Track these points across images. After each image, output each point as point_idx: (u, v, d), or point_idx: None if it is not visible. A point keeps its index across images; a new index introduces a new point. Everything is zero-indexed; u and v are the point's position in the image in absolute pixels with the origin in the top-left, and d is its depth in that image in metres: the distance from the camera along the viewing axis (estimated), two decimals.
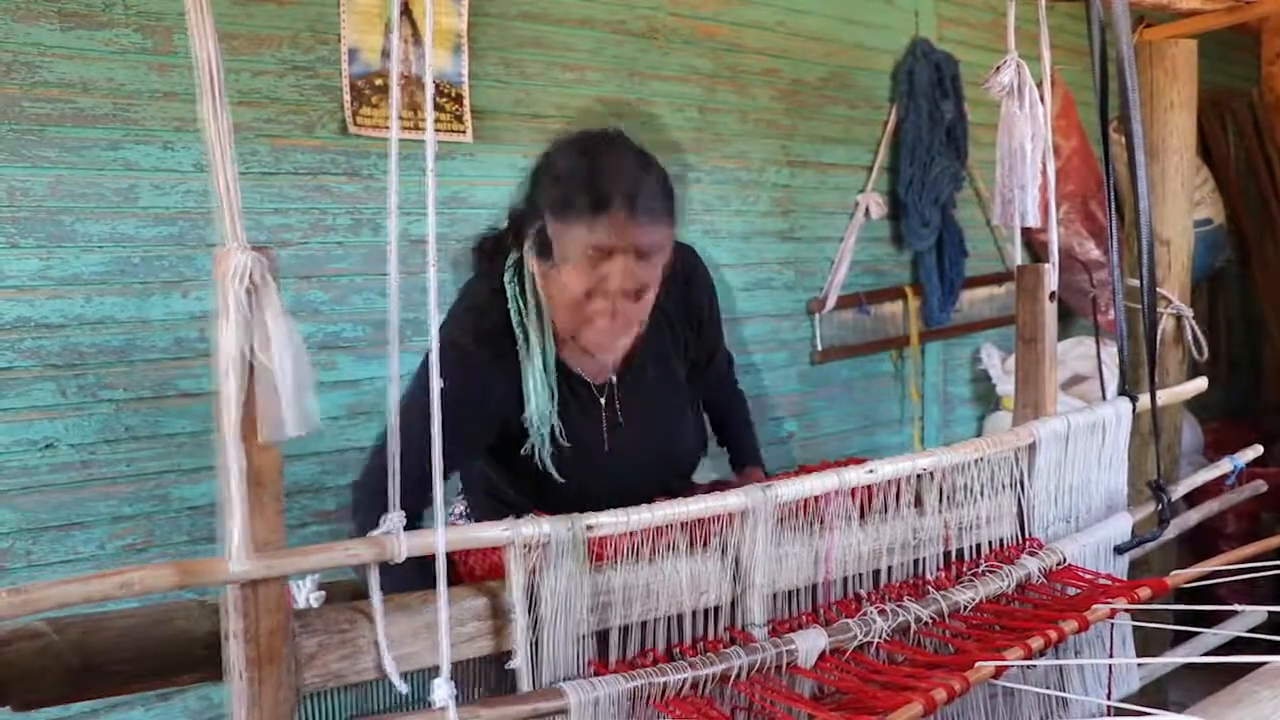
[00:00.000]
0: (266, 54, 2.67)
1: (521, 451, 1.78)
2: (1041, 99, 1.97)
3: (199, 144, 2.54)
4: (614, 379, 1.88)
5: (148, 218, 2.51)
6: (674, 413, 1.97)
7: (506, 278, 1.77)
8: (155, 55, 2.49)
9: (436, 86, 2.91)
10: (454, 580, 1.53)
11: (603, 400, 1.86)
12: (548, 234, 1.67)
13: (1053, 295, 2.03)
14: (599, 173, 1.64)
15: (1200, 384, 2.35)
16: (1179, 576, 1.70)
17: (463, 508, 2.06)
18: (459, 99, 2.96)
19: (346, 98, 2.77)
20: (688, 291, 1.94)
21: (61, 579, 1.01)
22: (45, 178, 2.38)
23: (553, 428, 1.78)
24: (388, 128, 2.83)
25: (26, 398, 2.38)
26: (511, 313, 1.76)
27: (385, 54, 2.81)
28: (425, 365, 1.61)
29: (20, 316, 2.36)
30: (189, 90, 2.51)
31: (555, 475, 1.79)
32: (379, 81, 2.81)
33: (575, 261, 1.64)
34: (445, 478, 1.27)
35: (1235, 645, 1.96)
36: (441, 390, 1.18)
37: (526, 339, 1.75)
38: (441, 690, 1.16)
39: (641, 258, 1.65)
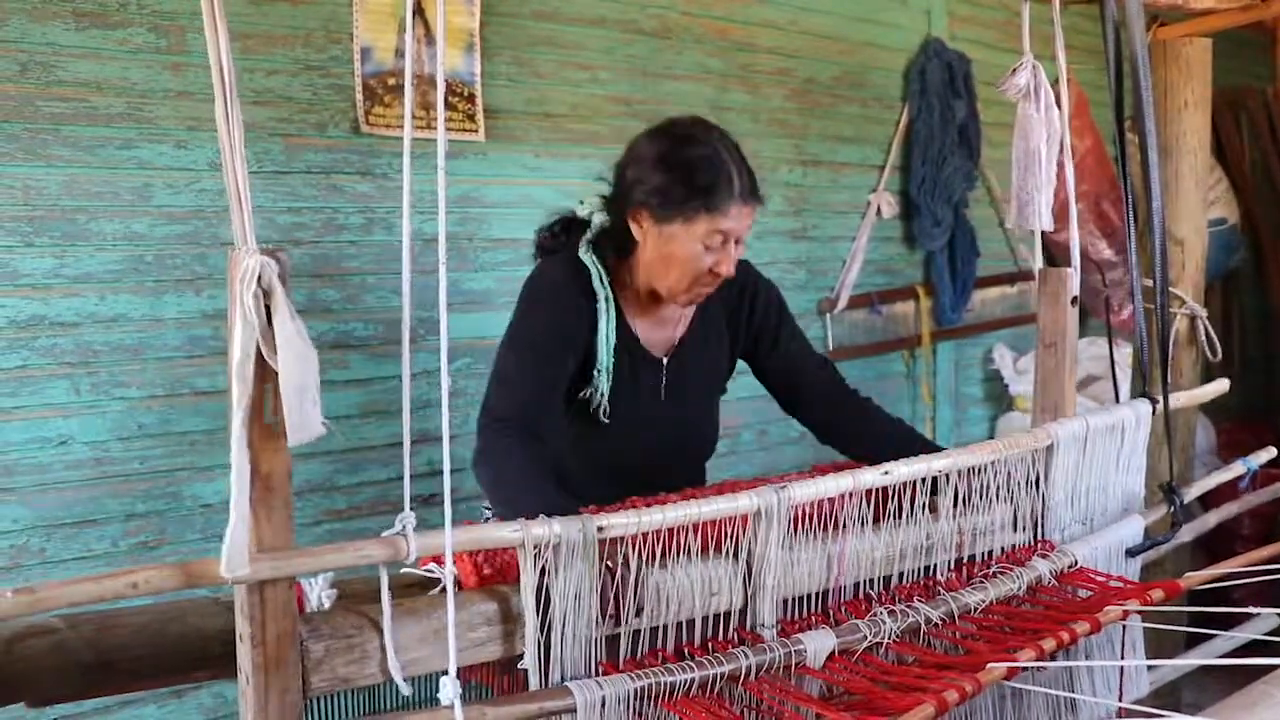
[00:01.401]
0: (280, 53, 2.67)
1: (580, 395, 1.96)
2: (1058, 101, 1.96)
3: (212, 143, 2.55)
4: (669, 355, 2.06)
5: (161, 216, 2.52)
6: (709, 401, 2.16)
7: (582, 250, 1.98)
8: (169, 55, 2.50)
9: (449, 86, 2.91)
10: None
11: (660, 372, 2.05)
12: (666, 214, 1.89)
13: (1074, 300, 2.02)
14: (726, 166, 1.91)
15: (1222, 385, 2.34)
16: (1192, 579, 1.70)
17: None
18: (471, 98, 2.96)
19: (359, 97, 2.78)
20: (751, 303, 2.15)
21: (70, 579, 1.02)
22: (60, 176, 2.39)
23: (612, 375, 1.97)
24: (400, 127, 2.84)
25: (41, 395, 2.39)
26: (592, 271, 1.96)
27: (398, 53, 2.82)
28: (527, 304, 1.96)
29: (35, 314, 2.37)
30: (203, 89, 2.52)
31: (603, 417, 1.97)
32: (391, 81, 2.81)
33: (694, 243, 1.89)
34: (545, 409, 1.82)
35: (1251, 648, 1.95)
36: (544, 318, 1.78)
37: (605, 300, 1.96)
38: (448, 689, 1.16)
39: (740, 241, 1.95)
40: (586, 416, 1.98)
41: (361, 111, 2.78)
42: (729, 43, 3.60)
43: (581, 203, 2.07)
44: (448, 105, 2.91)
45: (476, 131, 2.97)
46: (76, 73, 2.39)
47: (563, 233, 2.07)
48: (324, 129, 2.75)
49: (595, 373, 1.95)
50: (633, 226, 1.95)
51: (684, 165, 1.89)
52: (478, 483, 1.86)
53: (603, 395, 1.96)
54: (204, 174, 2.55)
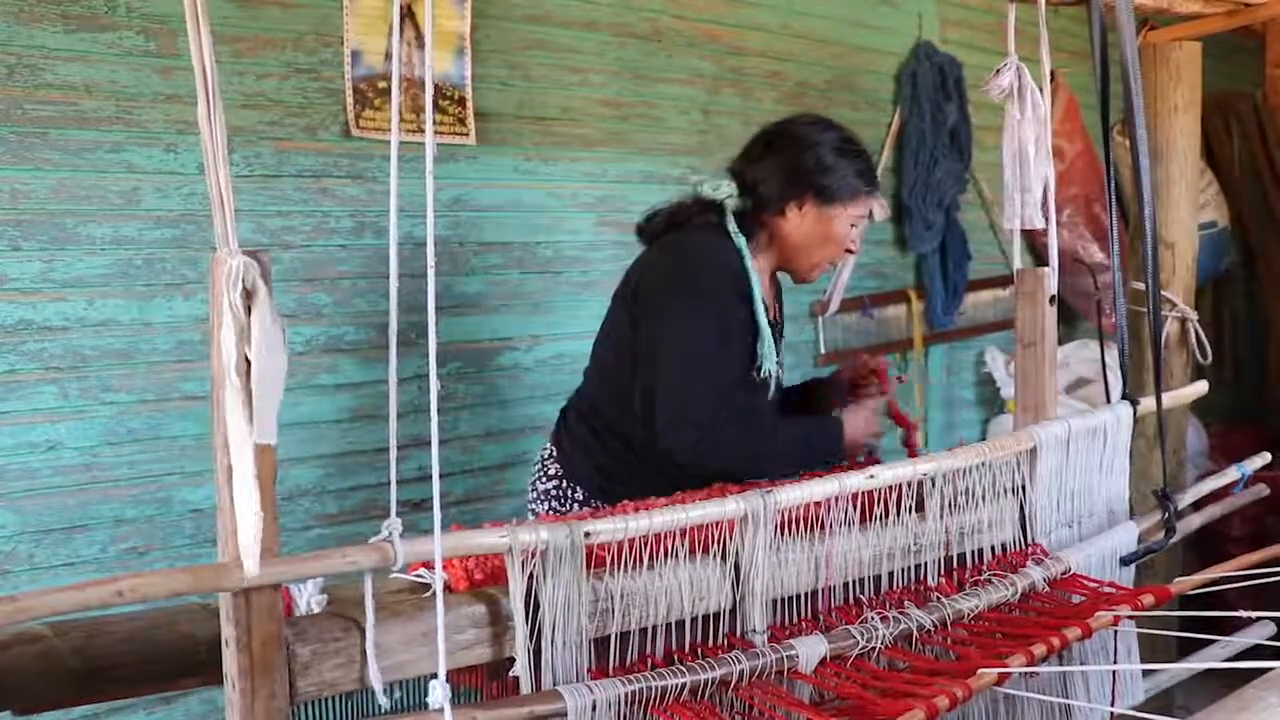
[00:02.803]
0: (270, 57, 2.66)
1: (760, 375, 2.11)
2: (1043, 99, 1.97)
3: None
4: (775, 317, 2.30)
5: (150, 220, 2.51)
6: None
7: (731, 228, 2.12)
8: (158, 58, 2.49)
9: (439, 89, 2.91)
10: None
11: (775, 331, 2.22)
12: (833, 198, 2.13)
13: (1053, 299, 2.03)
14: (864, 161, 2.19)
15: (1200, 387, 2.34)
16: (1183, 584, 1.70)
17: (555, 468, 2.24)
18: (462, 101, 2.96)
19: (349, 100, 2.77)
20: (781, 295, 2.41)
21: (55, 587, 1.01)
22: (48, 180, 2.38)
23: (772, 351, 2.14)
24: (390, 130, 2.82)
25: (29, 400, 2.37)
26: (744, 253, 2.10)
27: (388, 56, 2.81)
28: (703, 303, 2.05)
29: (23, 319, 2.36)
30: (192, 92, 2.51)
31: (772, 384, 2.14)
32: (382, 84, 2.81)
33: (847, 223, 2.18)
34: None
35: (1244, 652, 1.95)
36: (728, 308, 1.99)
37: (753, 273, 2.10)
38: (438, 692, 1.16)
39: None
40: (754, 385, 2.12)
41: (352, 115, 2.77)
42: (720, 46, 3.60)
43: (716, 187, 2.20)
44: (438, 108, 2.90)
45: (467, 135, 2.97)
46: (65, 75, 2.38)
47: (703, 212, 2.18)
48: (314, 132, 2.74)
49: (761, 341, 2.10)
50: (790, 212, 2.15)
51: (858, 155, 2.17)
52: (731, 478, 1.95)
53: (772, 370, 2.13)
54: (193, 178, 2.55)
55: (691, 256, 2.11)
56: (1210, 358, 3.00)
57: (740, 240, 2.12)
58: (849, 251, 2.24)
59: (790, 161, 2.15)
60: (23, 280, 2.36)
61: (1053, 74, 2.11)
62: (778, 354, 2.20)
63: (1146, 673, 1.98)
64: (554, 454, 2.26)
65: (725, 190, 2.18)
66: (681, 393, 1.99)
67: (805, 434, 2.14)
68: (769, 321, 2.13)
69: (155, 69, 2.49)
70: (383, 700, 1.20)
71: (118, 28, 2.44)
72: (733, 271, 2.07)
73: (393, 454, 1.16)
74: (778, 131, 2.22)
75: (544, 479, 2.25)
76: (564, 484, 2.22)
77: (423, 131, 2.76)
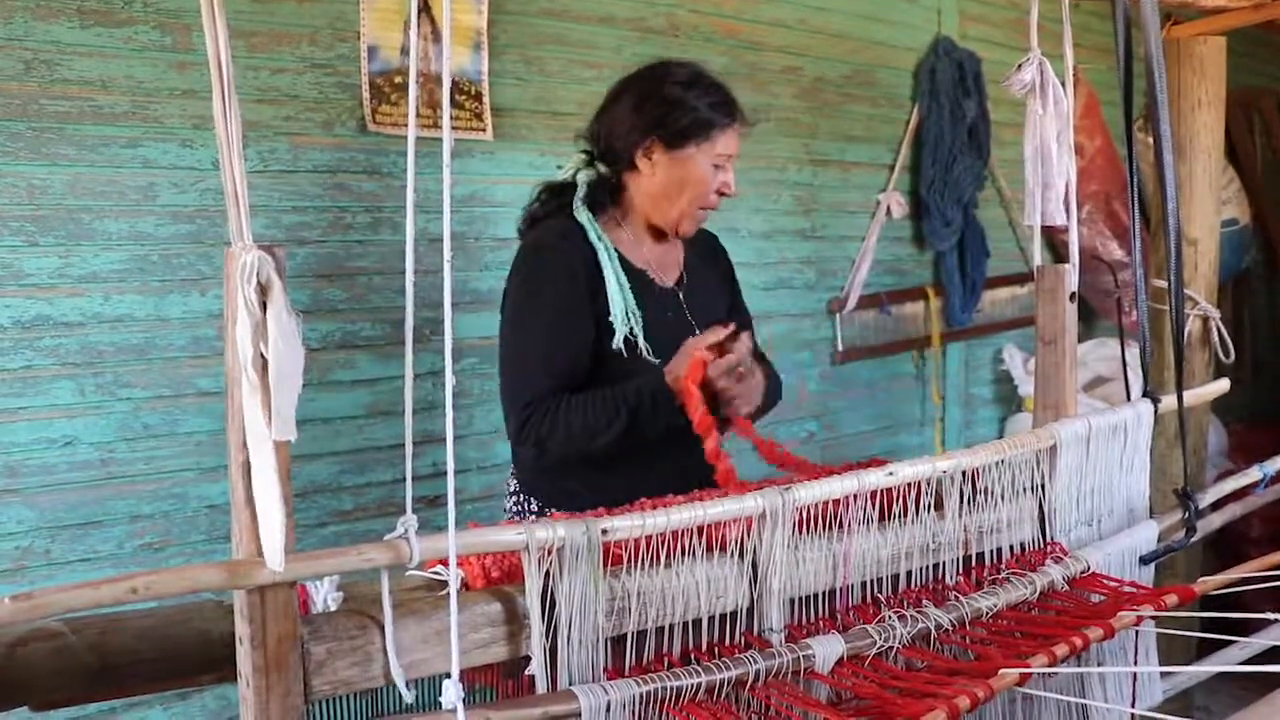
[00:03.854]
0: (286, 51, 2.66)
1: (614, 346, 1.99)
2: (1066, 95, 1.94)
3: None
4: (679, 284, 2.16)
5: (166, 215, 2.51)
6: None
7: (576, 209, 2.05)
8: (174, 53, 2.49)
9: (456, 84, 2.90)
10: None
11: (678, 299, 2.13)
12: (682, 140, 2.01)
13: (1073, 296, 2.01)
14: (720, 93, 2.04)
15: (1222, 385, 2.32)
16: (1208, 584, 1.68)
17: (514, 485, 2.16)
18: (478, 97, 2.95)
19: (366, 95, 2.77)
20: (722, 258, 2.32)
21: (70, 584, 1.00)
22: (64, 175, 2.38)
23: (638, 321, 2.02)
24: (406, 125, 2.81)
25: (46, 396, 2.38)
26: (587, 227, 2.04)
27: (404, 51, 2.81)
28: (526, 279, 2.02)
29: (39, 315, 2.37)
30: (208, 88, 2.51)
31: (652, 358, 2.00)
32: (398, 79, 2.80)
33: (707, 164, 2.03)
34: (573, 382, 1.88)
35: (1266, 655, 1.93)
36: (550, 287, 1.75)
37: (604, 247, 2.03)
38: (451, 692, 1.15)
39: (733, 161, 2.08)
40: (633, 363, 2.00)
41: (368, 110, 2.77)
42: (738, 41, 3.58)
43: (559, 168, 2.16)
44: (454, 104, 2.89)
45: (484, 130, 2.96)
46: (81, 71, 2.39)
47: (552, 199, 2.12)
48: (330, 128, 2.74)
49: (627, 314, 2.00)
50: (641, 163, 2.04)
51: (709, 87, 2.03)
52: (555, 463, 1.98)
53: (637, 334, 2.00)
54: (209, 173, 2.54)
55: (519, 257, 2.07)
56: (1233, 356, 2.98)
57: (584, 215, 2.05)
58: (721, 194, 2.08)
59: (633, 106, 2.05)
60: (39, 276, 2.36)
61: (1073, 70, 2.09)
62: (690, 316, 2.11)
63: (1165, 673, 1.96)
64: (512, 469, 2.21)
65: (571, 166, 2.12)
66: (508, 389, 2.01)
67: (629, 389, 1.93)
68: (669, 286, 2.10)
69: (171, 64, 2.49)
70: (406, 696, 1.19)
71: (133, 23, 2.44)
72: (562, 255, 1.99)
73: (408, 450, 1.15)
74: (623, 80, 2.13)
75: (508, 496, 2.21)
76: (521, 497, 2.16)
77: (439, 126, 2.75)
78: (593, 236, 2.02)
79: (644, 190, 2.08)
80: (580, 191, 2.07)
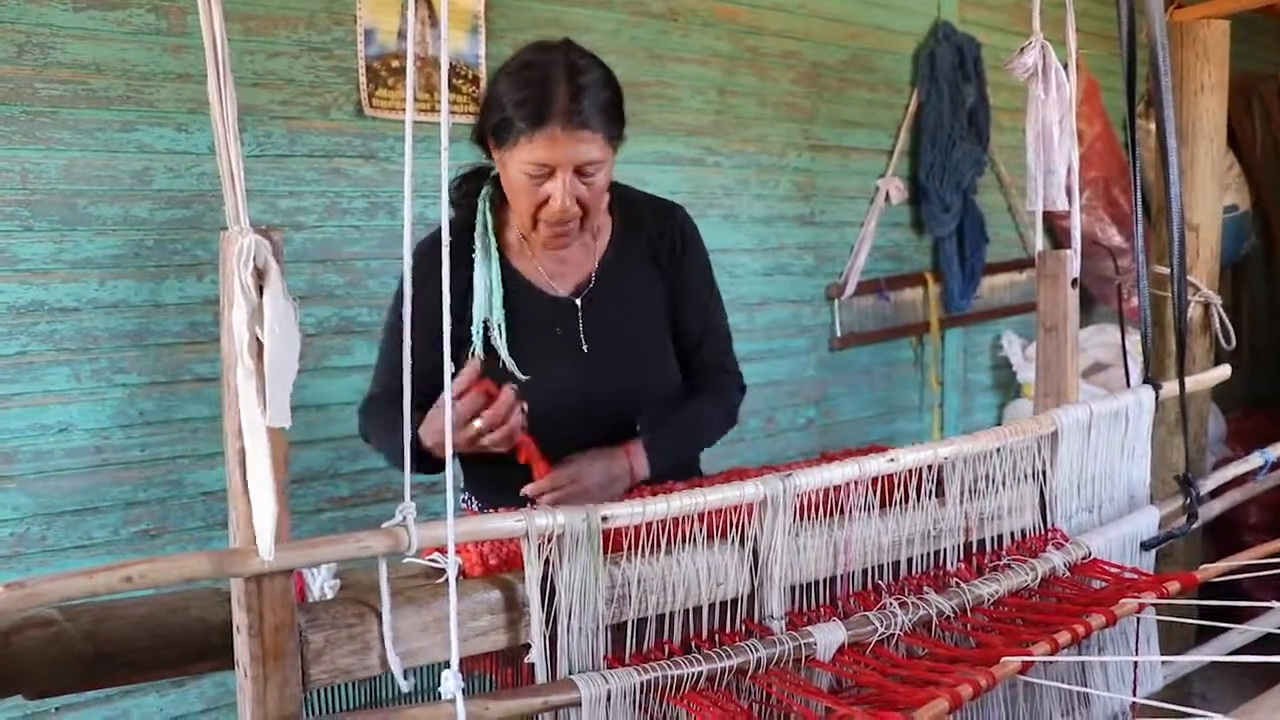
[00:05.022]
0: (282, 35, 2.64)
1: (471, 353, 1.78)
2: (1068, 79, 1.93)
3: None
4: (582, 295, 1.89)
5: (161, 200, 2.49)
6: (643, 341, 1.93)
7: (481, 198, 1.86)
8: (169, 36, 2.47)
9: (453, 68, 2.88)
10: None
11: (574, 314, 1.87)
12: (499, 139, 1.74)
13: (1074, 282, 1.99)
14: (533, 89, 1.68)
15: (1223, 371, 2.31)
16: (1209, 571, 1.67)
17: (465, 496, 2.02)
18: (476, 81, 2.93)
19: (362, 79, 2.75)
20: (673, 241, 1.95)
21: (66, 572, 0.99)
22: (59, 160, 2.36)
23: (504, 330, 1.82)
24: (403, 110, 2.79)
25: (40, 382, 2.36)
26: (478, 225, 1.84)
27: (401, 35, 2.78)
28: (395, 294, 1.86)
29: (34, 300, 2.35)
30: (204, 71, 2.49)
31: (517, 373, 1.79)
32: (395, 63, 2.78)
33: (519, 173, 1.71)
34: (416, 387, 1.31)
35: (1264, 642, 1.92)
36: (407, 293, 1.21)
37: (484, 249, 1.83)
38: (450, 682, 1.14)
39: (580, 173, 1.72)
40: (499, 377, 1.76)
41: (365, 94, 2.75)
42: (736, 26, 3.56)
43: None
44: (452, 88, 2.87)
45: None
46: (75, 54, 2.36)
47: (465, 185, 1.92)
48: (327, 112, 2.72)
49: (486, 326, 1.80)
50: (494, 155, 1.80)
51: (511, 85, 1.71)
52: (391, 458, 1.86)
53: (500, 351, 1.79)
54: (205, 157, 2.53)
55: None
56: (1234, 343, 2.96)
57: (484, 208, 1.86)
58: (558, 210, 1.73)
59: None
60: (34, 261, 2.35)
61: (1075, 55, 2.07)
62: (583, 331, 1.86)
63: (1166, 660, 1.96)
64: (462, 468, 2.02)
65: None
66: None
67: (400, 429, 1.45)
68: (563, 296, 1.86)
69: (166, 48, 2.47)
70: (404, 685, 1.18)
71: (127, 6, 2.42)
72: (428, 263, 1.57)
73: (406, 436, 1.14)
74: None
75: (463, 496, 2.04)
76: (467, 496, 2.01)
77: (436, 111, 2.73)
78: (479, 233, 1.83)
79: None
80: (489, 182, 1.88)
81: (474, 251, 1.82)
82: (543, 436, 1.71)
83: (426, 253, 1.45)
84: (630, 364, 1.90)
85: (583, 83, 1.70)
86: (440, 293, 1.55)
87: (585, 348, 1.86)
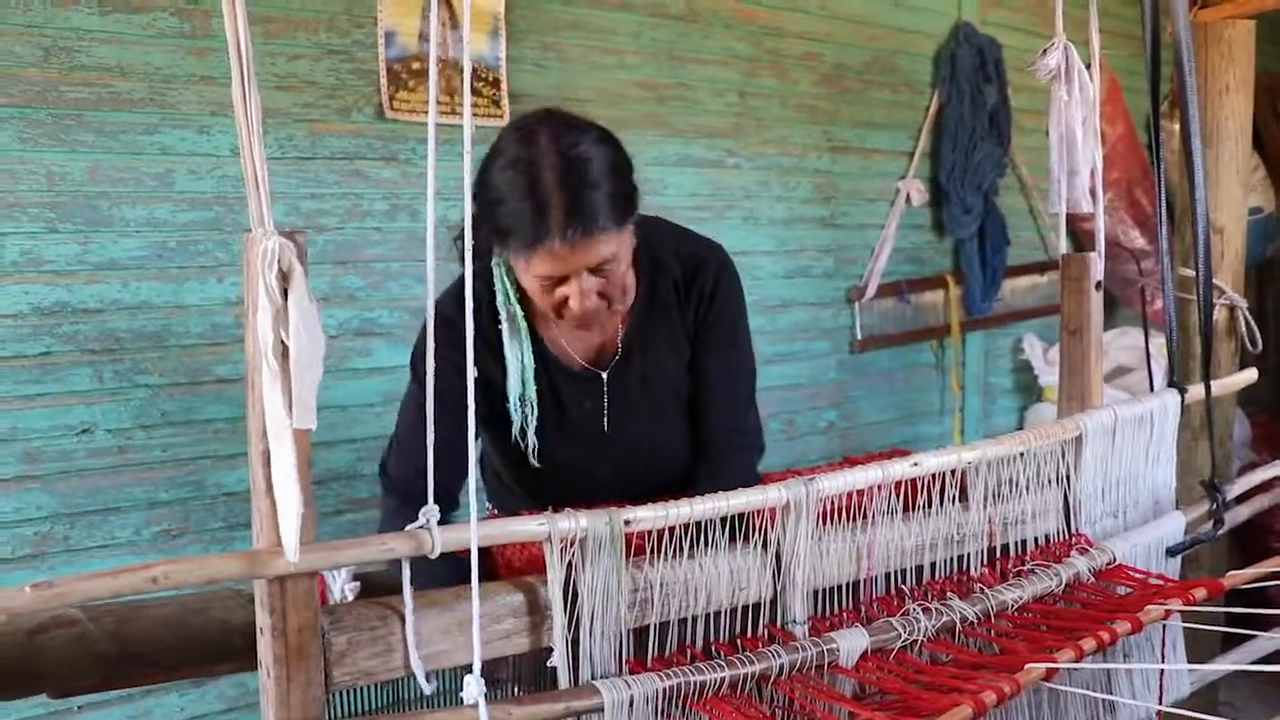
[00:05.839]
0: (303, 37, 2.65)
1: (511, 439, 1.71)
2: (1091, 80, 1.92)
3: (235, 128, 2.53)
4: (610, 368, 1.78)
5: (184, 202, 2.50)
6: (668, 415, 1.84)
7: (495, 259, 1.67)
8: (192, 39, 2.48)
9: (474, 70, 2.88)
10: (491, 574, 1.50)
11: (599, 390, 1.77)
12: (499, 239, 1.56)
13: (1098, 285, 1.98)
14: (526, 202, 1.49)
15: (1250, 375, 2.29)
16: (1236, 577, 1.65)
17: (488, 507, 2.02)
18: (496, 83, 2.93)
19: (383, 82, 2.75)
20: (706, 307, 1.81)
21: (90, 572, 0.99)
22: (83, 162, 2.38)
23: (536, 408, 1.71)
24: (424, 112, 2.80)
25: (64, 383, 2.38)
26: (498, 295, 1.68)
27: (422, 37, 2.79)
28: (417, 353, 1.66)
29: (58, 301, 2.36)
30: (226, 74, 2.50)
31: (533, 458, 1.72)
32: (416, 65, 2.79)
33: (529, 284, 1.59)
34: (442, 467, 1.21)
35: None
36: (432, 366, 1.15)
37: (510, 320, 1.69)
38: (473, 687, 1.13)
39: (596, 271, 1.57)
40: (519, 455, 1.73)
41: (386, 96, 2.75)
42: (757, 27, 3.55)
43: None
44: (473, 90, 2.87)
45: (501, 117, 2.94)
46: (100, 57, 2.38)
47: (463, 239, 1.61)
48: (348, 114, 2.72)
49: (513, 408, 1.69)
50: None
51: (502, 190, 1.51)
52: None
53: (528, 434, 1.70)
54: (227, 160, 2.53)
55: (433, 311, 1.35)
56: (1260, 346, 2.94)
57: (499, 272, 1.67)
58: (560, 316, 1.62)
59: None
60: (58, 262, 2.36)
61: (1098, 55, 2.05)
62: (606, 408, 1.75)
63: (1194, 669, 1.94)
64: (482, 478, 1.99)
65: None
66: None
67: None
68: (591, 370, 1.74)
69: (189, 51, 2.48)
70: (426, 688, 1.18)
71: (152, 9, 2.43)
72: (446, 317, 1.53)
73: (429, 440, 1.14)
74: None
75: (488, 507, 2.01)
76: (490, 505, 1.99)
77: (457, 114, 2.73)
78: (500, 301, 1.68)
79: None
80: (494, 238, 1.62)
81: (499, 321, 1.69)
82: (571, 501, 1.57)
83: (454, 320, 1.36)
84: (655, 439, 1.82)
85: (579, 181, 1.51)
86: (482, 357, 1.51)
87: (607, 425, 1.77)
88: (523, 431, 1.71)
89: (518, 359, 1.68)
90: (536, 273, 1.54)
